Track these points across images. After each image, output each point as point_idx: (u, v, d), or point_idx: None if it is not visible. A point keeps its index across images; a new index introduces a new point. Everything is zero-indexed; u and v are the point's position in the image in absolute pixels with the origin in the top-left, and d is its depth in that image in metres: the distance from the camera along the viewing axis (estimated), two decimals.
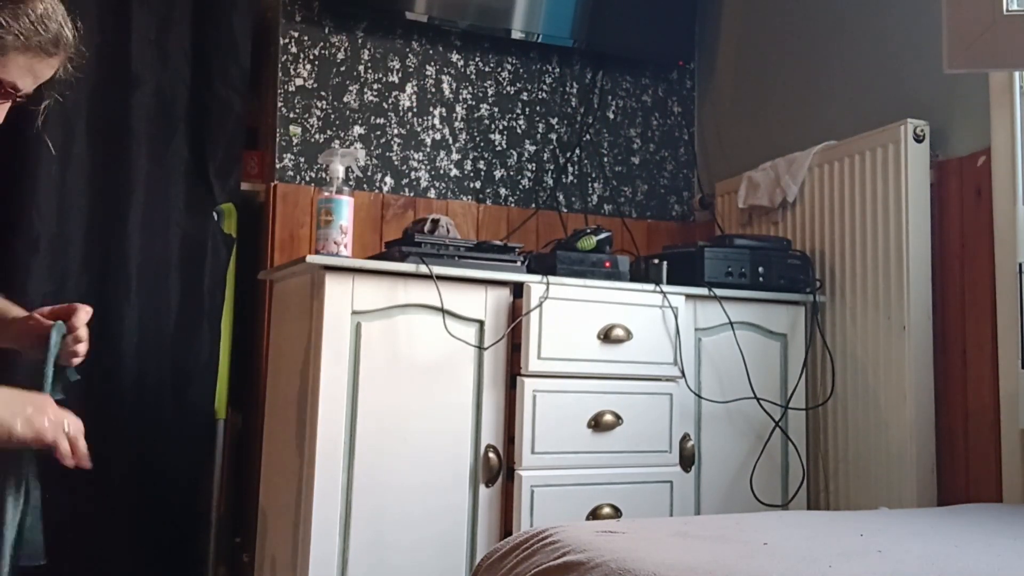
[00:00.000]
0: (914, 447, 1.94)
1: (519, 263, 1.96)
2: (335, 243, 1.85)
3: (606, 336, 1.95)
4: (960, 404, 1.95)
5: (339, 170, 1.95)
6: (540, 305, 1.89)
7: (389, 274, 1.82)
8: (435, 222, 2.04)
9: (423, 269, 1.82)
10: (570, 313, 1.92)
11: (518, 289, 1.94)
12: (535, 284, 1.90)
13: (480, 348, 1.89)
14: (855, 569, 1.05)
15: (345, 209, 1.87)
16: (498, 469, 1.88)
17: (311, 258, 1.79)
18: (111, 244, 2.32)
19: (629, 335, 1.97)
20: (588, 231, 2.12)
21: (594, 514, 1.91)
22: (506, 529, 1.87)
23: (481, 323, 1.90)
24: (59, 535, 2.25)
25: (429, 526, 1.83)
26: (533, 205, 2.73)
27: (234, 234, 2.43)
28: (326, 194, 1.89)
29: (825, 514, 1.53)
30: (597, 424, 1.93)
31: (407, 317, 1.84)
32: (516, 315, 1.92)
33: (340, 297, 1.78)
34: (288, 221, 2.40)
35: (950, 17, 1.71)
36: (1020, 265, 1.83)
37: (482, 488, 1.86)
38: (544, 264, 2.01)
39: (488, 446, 1.88)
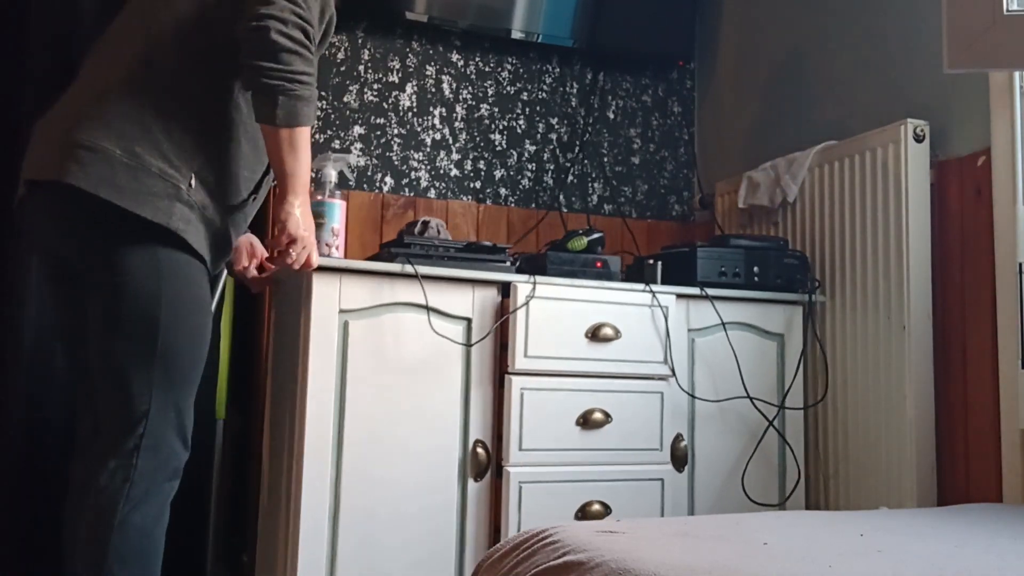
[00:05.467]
0: (914, 447, 1.94)
1: (508, 263, 1.98)
2: (327, 244, 1.91)
3: (594, 335, 1.96)
4: (960, 404, 1.95)
5: (331, 174, 1.99)
6: (527, 304, 1.91)
7: (376, 274, 1.85)
8: (425, 223, 2.07)
9: (408, 269, 1.85)
10: (557, 312, 1.94)
11: (506, 289, 1.95)
12: (521, 284, 1.92)
13: (467, 345, 1.91)
14: (855, 569, 1.05)
15: (337, 212, 1.93)
16: (486, 464, 1.90)
17: None
18: None
19: (618, 334, 1.98)
20: (580, 232, 2.13)
21: (583, 511, 1.92)
22: (495, 524, 1.89)
23: (469, 321, 1.92)
24: (58, 534, 2.26)
25: (418, 520, 1.85)
26: (533, 205, 2.73)
27: None
28: (319, 197, 1.94)
29: (825, 514, 1.53)
30: (586, 422, 1.94)
31: (394, 315, 1.87)
32: (504, 314, 1.94)
33: (327, 296, 1.81)
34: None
35: (950, 17, 1.71)
36: (1020, 265, 1.83)
37: (471, 483, 1.89)
38: (535, 264, 2.03)
39: (477, 441, 1.90)
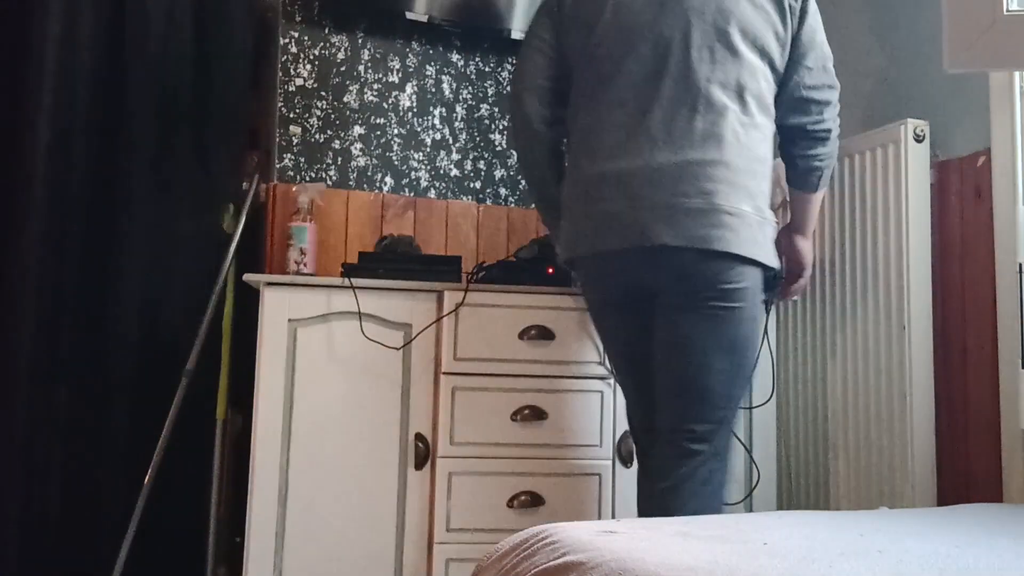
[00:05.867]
0: (914, 447, 1.94)
1: (452, 273, 2.14)
2: (295, 262, 2.17)
3: (527, 337, 2.09)
4: (960, 404, 1.95)
5: (304, 201, 2.23)
6: (455, 311, 2.07)
7: (322, 287, 2.06)
8: (382, 240, 2.31)
9: (345, 282, 2.05)
10: (489, 316, 2.09)
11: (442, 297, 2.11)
12: (450, 292, 2.08)
13: (397, 349, 2.07)
14: (855, 569, 1.05)
15: (306, 235, 2.20)
16: (425, 455, 2.06)
17: (247, 277, 2.08)
18: (112, 244, 2.32)
19: (551, 336, 2.11)
20: (534, 240, 2.33)
21: (514, 501, 2.06)
22: (431, 508, 2.05)
23: (409, 326, 2.08)
24: (60, 534, 2.26)
25: (361, 503, 2.03)
26: (533, 205, 2.72)
27: (236, 234, 2.42)
28: (294, 221, 2.20)
29: (825, 514, 1.53)
30: (520, 418, 2.07)
31: (341, 323, 2.05)
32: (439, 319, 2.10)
33: (277, 307, 2.02)
34: (288, 221, 2.40)
35: (950, 17, 1.71)
36: (1020, 265, 1.83)
37: (411, 471, 2.06)
38: (491, 273, 2.18)
39: (416, 434, 2.06)
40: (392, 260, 2.16)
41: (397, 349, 2.07)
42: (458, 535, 2.03)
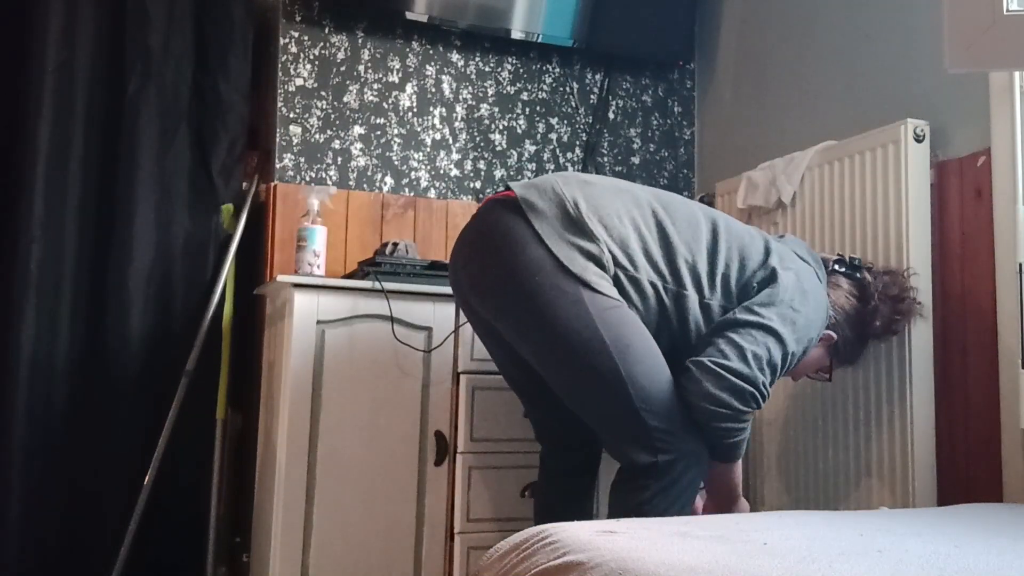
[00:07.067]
0: (914, 447, 1.93)
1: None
2: (308, 264, 2.18)
3: None
4: (960, 404, 1.95)
5: (314, 204, 2.23)
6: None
7: (350, 290, 2.10)
8: (395, 245, 2.30)
9: (376, 286, 2.09)
10: None
11: None
12: None
13: (426, 351, 2.14)
14: (855, 569, 1.05)
15: (318, 236, 2.21)
16: (444, 451, 2.14)
17: (281, 278, 2.09)
18: (112, 244, 2.32)
19: None
20: None
21: (527, 490, 2.16)
22: (450, 500, 2.14)
23: (430, 329, 2.15)
24: (60, 535, 2.26)
25: (383, 498, 2.10)
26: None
27: (236, 234, 2.42)
28: (304, 224, 2.20)
29: (825, 514, 1.53)
30: (528, 415, 2.12)
31: (366, 325, 2.11)
32: (459, 322, 2.16)
33: (307, 309, 2.06)
34: (288, 221, 2.41)
35: (950, 17, 1.71)
36: (1020, 265, 1.83)
37: (431, 466, 2.13)
38: None
39: (436, 431, 2.14)
40: (413, 263, 2.22)
41: (428, 352, 2.13)
42: (477, 525, 2.12)
